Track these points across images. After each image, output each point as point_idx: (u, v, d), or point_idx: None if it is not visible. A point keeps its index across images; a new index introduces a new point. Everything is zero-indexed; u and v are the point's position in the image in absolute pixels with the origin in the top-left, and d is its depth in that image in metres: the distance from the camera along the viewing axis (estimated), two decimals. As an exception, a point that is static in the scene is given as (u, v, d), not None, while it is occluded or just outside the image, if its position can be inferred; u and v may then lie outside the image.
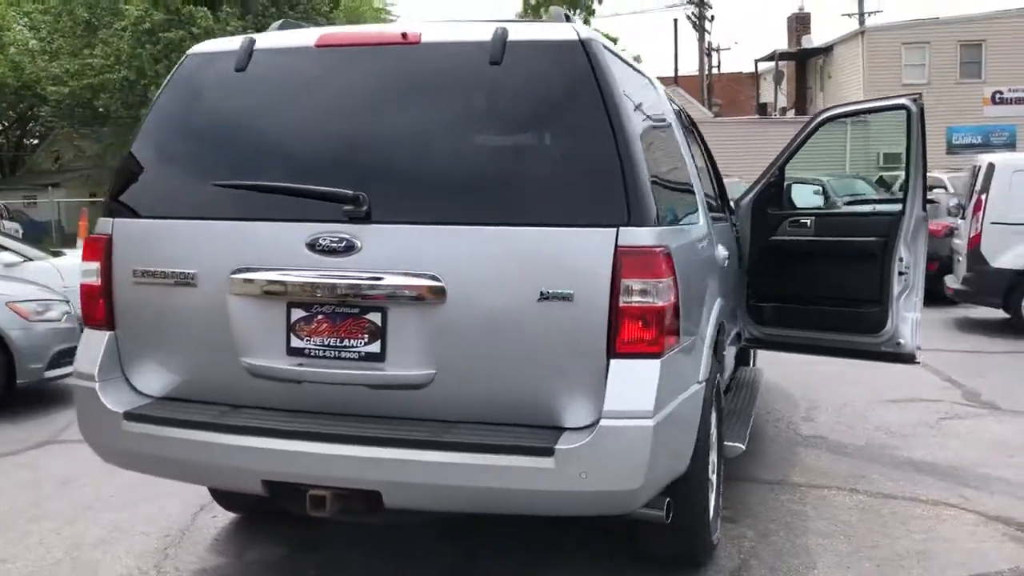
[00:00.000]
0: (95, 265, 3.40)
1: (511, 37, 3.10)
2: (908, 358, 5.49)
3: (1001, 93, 31.81)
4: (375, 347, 3.05)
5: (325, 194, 3.04)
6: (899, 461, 5.47)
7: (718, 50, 44.16)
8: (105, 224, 3.42)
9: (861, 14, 37.77)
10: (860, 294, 5.48)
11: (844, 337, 5.57)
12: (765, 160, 6.36)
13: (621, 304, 2.84)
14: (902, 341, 5.41)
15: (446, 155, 3.08)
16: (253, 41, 3.39)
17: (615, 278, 2.85)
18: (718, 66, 44.94)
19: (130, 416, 3.24)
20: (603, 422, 2.81)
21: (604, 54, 3.07)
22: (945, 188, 15.65)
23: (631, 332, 2.85)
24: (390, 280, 3.00)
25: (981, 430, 6.22)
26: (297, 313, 3.13)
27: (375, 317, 3.05)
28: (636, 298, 2.84)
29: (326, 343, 3.10)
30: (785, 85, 37.54)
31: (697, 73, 41.34)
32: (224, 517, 4.49)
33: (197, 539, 4.28)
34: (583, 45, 3.05)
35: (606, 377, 2.88)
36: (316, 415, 3.14)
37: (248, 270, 3.15)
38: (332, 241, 3.05)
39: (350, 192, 3.01)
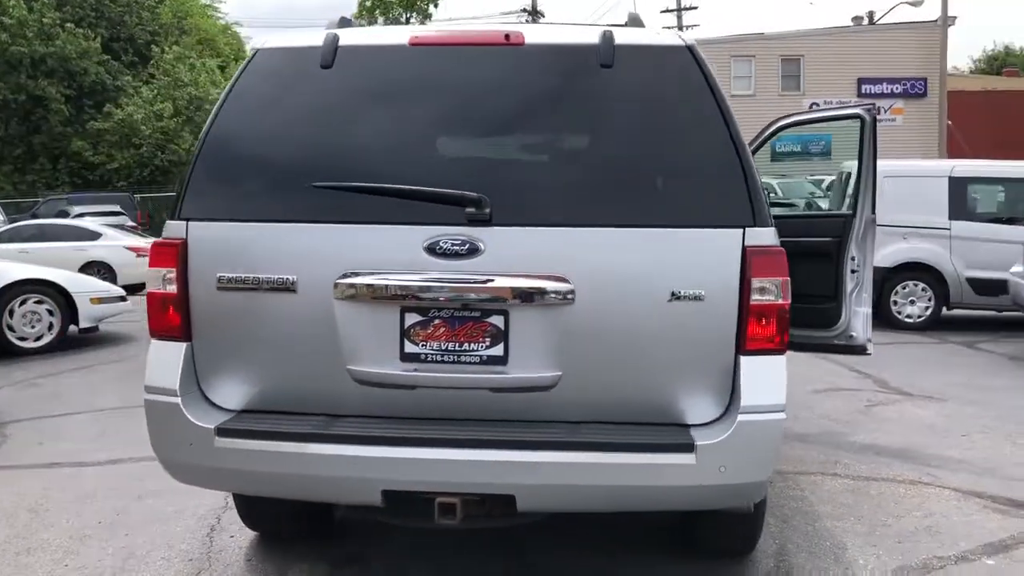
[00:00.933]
0: (169, 271, 3.17)
1: (618, 41, 3.15)
2: (860, 349, 5.87)
3: (818, 105, 34.27)
4: (498, 350, 3.02)
5: (449, 196, 2.98)
6: (857, 446, 5.88)
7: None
8: (177, 227, 3.20)
9: (680, 27, 39.72)
10: (816, 291, 5.82)
11: (801, 332, 5.90)
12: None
13: (751, 303, 2.95)
14: (854, 334, 5.79)
15: (567, 157, 3.09)
16: (337, 37, 3.27)
17: (744, 277, 2.95)
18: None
19: (224, 432, 3.05)
20: (741, 417, 2.90)
21: (705, 60, 3.17)
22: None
23: (759, 330, 2.96)
24: (519, 282, 2.97)
25: (908, 415, 6.76)
26: (412, 318, 3.05)
27: (497, 320, 3.02)
28: (763, 297, 2.95)
29: (444, 348, 3.04)
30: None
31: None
32: (242, 536, 4.28)
33: (228, 560, 4.06)
34: (690, 51, 3.15)
35: (734, 374, 2.98)
36: (432, 421, 3.07)
37: (358, 274, 3.03)
38: (454, 244, 3.00)
39: (475, 194, 2.96)
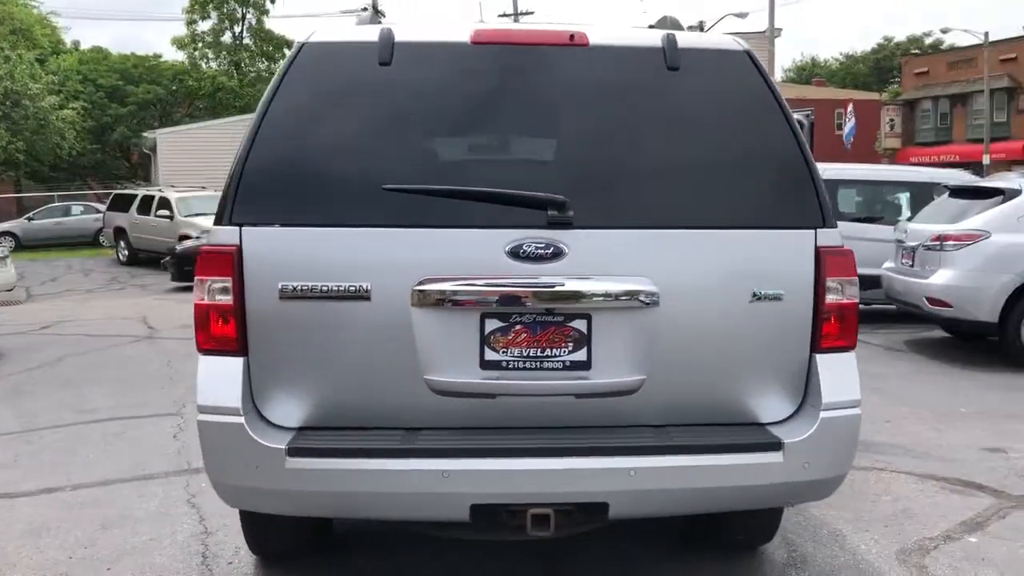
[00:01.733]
0: (222, 281, 2.94)
1: (681, 44, 3.16)
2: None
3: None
4: (581, 355, 2.97)
5: (533, 199, 2.90)
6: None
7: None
8: (228, 233, 2.96)
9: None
10: None
11: None
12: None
13: (826, 302, 3.03)
14: None
15: (644, 159, 3.07)
16: (392, 32, 3.12)
17: (819, 277, 3.02)
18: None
19: (296, 451, 2.85)
20: (824, 413, 2.98)
21: (762, 63, 3.24)
22: None
23: (834, 328, 3.04)
24: (605, 286, 2.93)
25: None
26: (492, 324, 2.95)
27: (580, 324, 2.96)
28: (836, 296, 3.04)
29: (526, 354, 2.96)
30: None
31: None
32: (241, 561, 4.02)
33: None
34: (748, 55, 3.20)
35: (808, 372, 3.05)
36: (513, 430, 2.98)
37: (438, 280, 2.91)
38: (538, 247, 2.92)
39: (559, 197, 2.90)
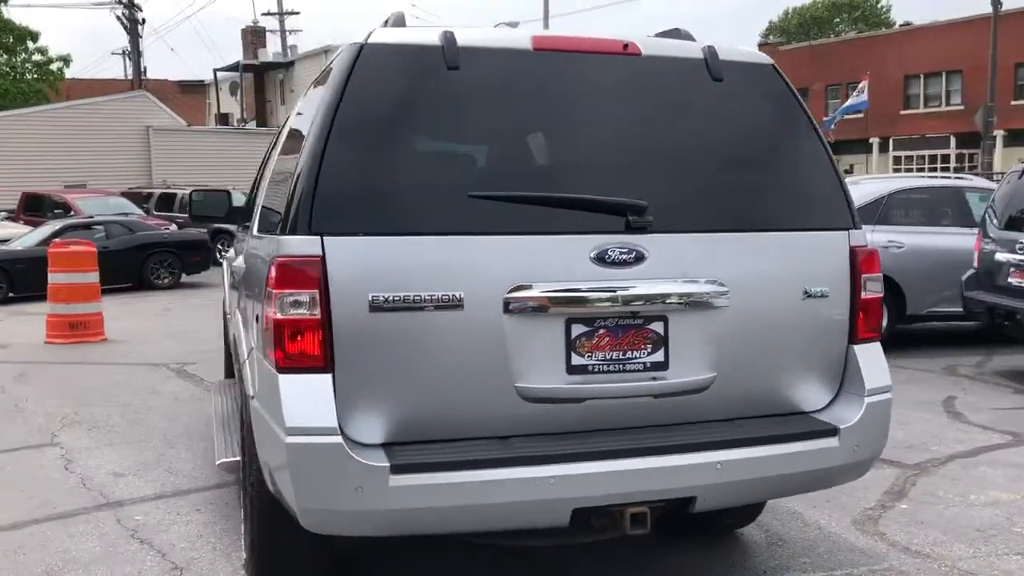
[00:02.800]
0: (308, 294, 2.77)
1: (721, 57, 3.33)
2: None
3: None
4: (659, 356, 3.06)
5: (616, 205, 2.96)
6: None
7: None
8: (307, 244, 2.79)
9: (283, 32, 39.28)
10: None
11: None
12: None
13: (862, 297, 3.30)
14: None
15: (706, 165, 3.19)
16: (454, 36, 3.06)
17: (855, 274, 3.29)
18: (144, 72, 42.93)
19: (401, 468, 2.74)
20: (868, 399, 3.24)
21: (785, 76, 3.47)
22: None
23: (868, 320, 3.32)
24: (683, 288, 3.04)
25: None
26: (578, 329, 2.98)
27: (657, 326, 3.05)
28: (869, 291, 3.32)
29: (609, 357, 3.01)
30: (242, 96, 37.65)
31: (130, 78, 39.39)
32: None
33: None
34: (775, 68, 3.42)
35: (846, 362, 3.31)
36: (598, 432, 3.02)
37: (531, 287, 2.90)
38: (622, 252, 2.98)
39: (641, 202, 2.98)
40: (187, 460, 5.66)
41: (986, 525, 4.54)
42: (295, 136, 3.70)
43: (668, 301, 3.03)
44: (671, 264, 3.04)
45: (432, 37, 3.06)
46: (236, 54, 39.95)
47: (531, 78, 3.12)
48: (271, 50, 39.24)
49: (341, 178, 2.85)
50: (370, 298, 2.80)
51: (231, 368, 6.53)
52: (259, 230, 3.78)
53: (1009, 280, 7.96)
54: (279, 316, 2.79)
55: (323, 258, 2.78)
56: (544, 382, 2.95)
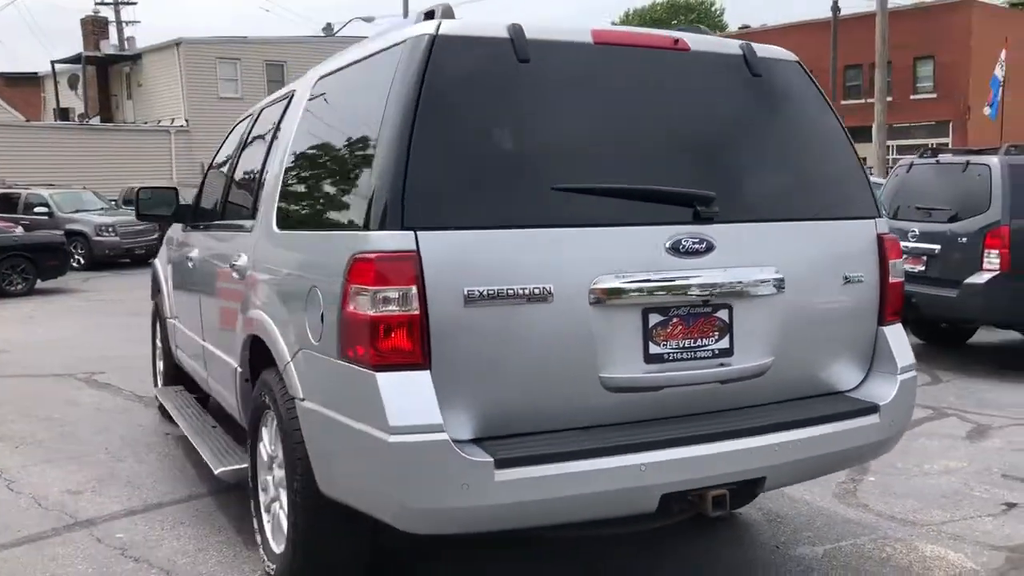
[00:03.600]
0: (403, 289, 2.70)
1: (758, 54, 3.45)
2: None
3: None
4: (725, 343, 3.15)
5: (689, 196, 3.04)
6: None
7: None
8: (399, 239, 2.73)
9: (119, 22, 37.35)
10: None
11: None
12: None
13: (890, 281, 3.50)
14: None
15: (758, 157, 3.30)
16: (522, 29, 3.05)
17: (882, 260, 3.49)
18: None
19: (505, 462, 2.71)
20: (901, 376, 3.44)
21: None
22: None
23: (894, 303, 3.52)
24: (749, 275, 3.14)
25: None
26: (654, 318, 3.03)
27: (723, 314, 3.14)
28: (895, 275, 3.53)
29: (681, 345, 3.08)
30: (85, 90, 35.55)
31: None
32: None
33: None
34: (799, 64, 3.58)
35: (876, 342, 3.50)
36: (674, 419, 3.09)
37: (612, 278, 2.94)
38: (693, 242, 3.05)
39: (710, 193, 3.06)
40: (144, 473, 5.35)
41: (950, 491, 4.89)
42: (322, 131, 3.58)
43: (734, 289, 3.13)
44: (736, 253, 3.14)
45: (499, 30, 3.04)
46: (66, 44, 37.78)
47: (594, 71, 3.15)
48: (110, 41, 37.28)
49: (429, 171, 2.79)
50: (465, 292, 2.77)
51: (170, 375, 6.23)
52: (281, 227, 3.64)
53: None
54: (374, 313, 2.71)
55: (418, 253, 2.73)
56: (625, 371, 2.99)
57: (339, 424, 2.94)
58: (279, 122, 4.18)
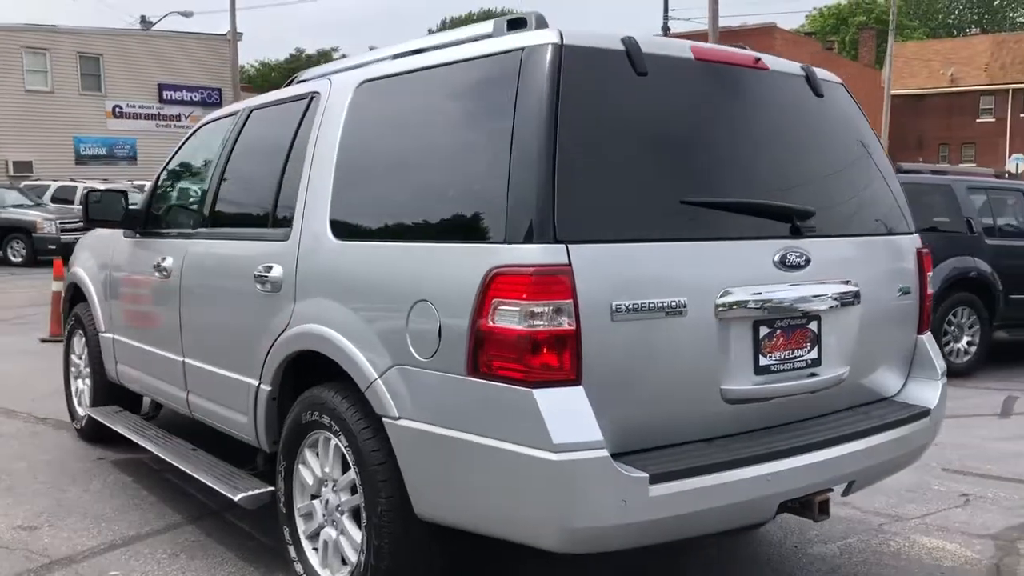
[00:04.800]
0: (559, 304, 2.64)
1: (818, 75, 3.61)
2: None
3: (121, 107, 33.18)
4: (814, 354, 3.27)
5: (798, 211, 3.15)
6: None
7: None
8: (550, 252, 2.66)
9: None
10: None
11: None
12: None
13: (928, 291, 3.74)
14: None
15: (837, 174, 3.45)
16: (638, 42, 3.04)
17: (921, 273, 3.73)
18: None
19: (658, 478, 2.70)
20: (941, 381, 3.69)
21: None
22: None
23: (927, 313, 3.77)
24: (839, 288, 3.28)
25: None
26: (763, 331, 3.10)
27: (814, 325, 3.26)
28: (930, 287, 3.78)
29: (783, 356, 3.17)
30: None
31: None
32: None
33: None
34: (844, 87, 3.77)
35: (915, 350, 3.73)
36: (777, 428, 3.17)
37: (735, 291, 2.99)
38: (797, 256, 3.15)
39: (813, 209, 3.18)
40: (98, 502, 4.89)
41: (911, 486, 5.25)
42: (392, 139, 3.43)
43: (825, 302, 3.26)
44: (825, 267, 3.27)
45: (615, 42, 3.02)
46: None
47: (697, 87, 3.19)
48: None
49: (573, 184, 2.74)
50: (613, 306, 2.74)
51: (101, 394, 5.76)
52: (342, 238, 3.44)
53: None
54: (525, 328, 2.64)
55: (570, 267, 2.67)
56: (740, 383, 3.05)
57: (466, 444, 2.83)
58: (299, 127, 3.94)
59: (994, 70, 56.85)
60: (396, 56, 3.80)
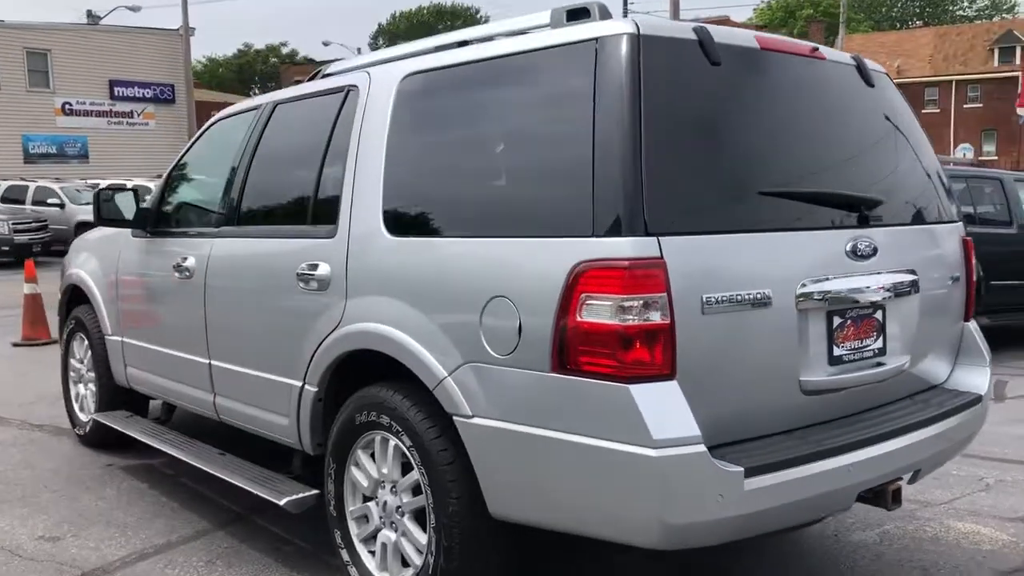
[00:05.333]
0: (654, 298, 2.61)
1: (868, 64, 3.62)
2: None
3: (71, 104, 32.41)
4: (880, 343, 3.27)
5: (867, 201, 3.15)
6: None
7: None
8: (647, 245, 2.62)
9: None
10: None
11: None
12: None
13: (972, 279, 3.78)
14: None
15: (888, 162, 3.46)
16: (710, 31, 3.01)
17: (967, 260, 3.76)
18: None
19: (753, 471, 2.68)
20: (988, 367, 3.72)
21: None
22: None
23: (972, 300, 3.81)
24: (899, 278, 3.28)
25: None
26: (836, 321, 3.10)
27: (879, 315, 3.26)
28: (974, 274, 3.81)
29: (853, 346, 3.17)
30: None
31: None
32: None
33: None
34: (887, 75, 3.78)
35: (962, 338, 3.76)
36: (848, 418, 3.17)
37: (813, 281, 2.98)
38: (866, 246, 3.15)
39: (881, 198, 3.19)
40: (117, 509, 4.75)
41: (933, 473, 5.30)
42: (449, 133, 3.36)
43: (890, 291, 3.26)
44: (889, 256, 3.27)
45: (687, 31, 2.99)
46: None
47: (764, 77, 3.17)
48: None
49: (662, 176, 2.71)
50: (704, 299, 2.71)
51: (106, 399, 5.60)
52: (399, 234, 3.36)
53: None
54: (619, 323, 2.60)
55: (663, 260, 2.64)
56: (817, 374, 3.04)
57: (551, 441, 2.78)
58: (336, 121, 3.85)
59: (937, 62, 58.09)
60: (439, 48, 3.73)
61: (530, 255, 2.86)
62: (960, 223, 3.78)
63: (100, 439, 5.74)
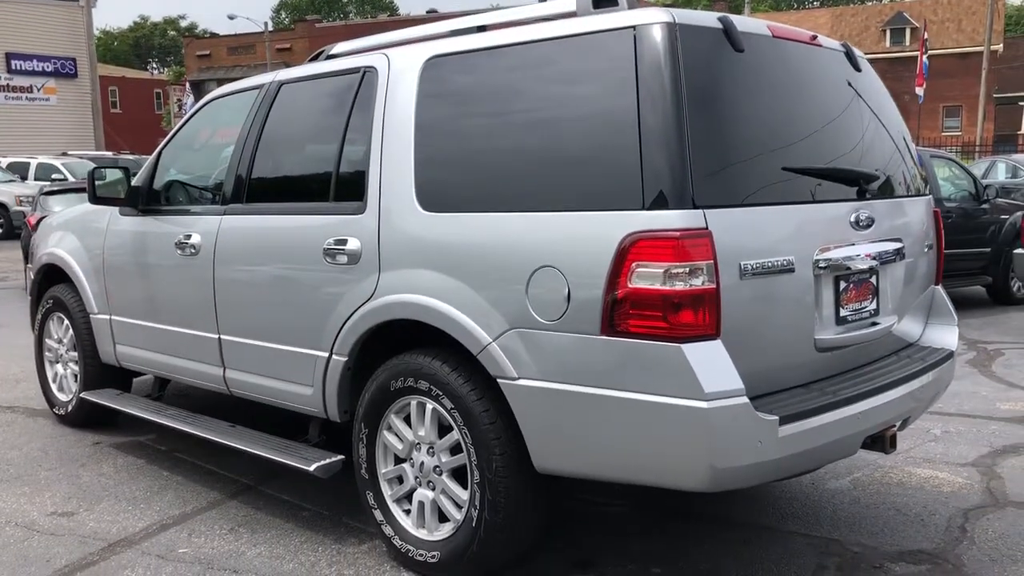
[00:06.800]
0: (703, 265, 2.89)
1: (854, 52, 3.96)
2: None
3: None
4: (874, 305, 3.62)
5: (868, 176, 3.49)
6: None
7: None
8: (694, 217, 2.89)
9: None
10: None
11: None
12: None
13: (942, 247, 4.18)
14: None
15: (876, 140, 3.80)
16: (732, 20, 3.28)
17: (938, 229, 4.16)
18: None
19: (786, 419, 2.99)
20: (955, 326, 4.13)
21: None
22: None
23: (941, 265, 4.21)
24: (890, 245, 3.64)
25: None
26: (842, 285, 3.43)
27: (874, 280, 3.62)
28: (942, 243, 4.21)
29: (854, 308, 3.51)
30: None
31: None
32: None
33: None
34: (867, 62, 4.14)
35: (932, 300, 4.17)
36: (851, 371, 3.52)
37: (828, 249, 3.31)
38: (867, 217, 3.50)
39: (880, 174, 3.54)
40: (121, 485, 4.82)
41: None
42: (484, 115, 3.54)
43: (883, 258, 3.62)
44: (881, 226, 3.62)
45: (713, 20, 3.25)
46: None
47: (777, 63, 3.47)
48: None
49: (703, 153, 2.97)
50: (741, 265, 3.00)
51: (93, 378, 5.62)
52: (433, 209, 3.54)
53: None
54: (671, 288, 2.87)
55: (708, 229, 2.91)
56: (828, 333, 3.38)
57: (602, 399, 3.03)
58: (354, 101, 4.00)
59: (835, 41, 60.01)
60: (454, 32, 3.91)
61: (578, 228, 3.10)
62: (930, 196, 4.18)
63: (83, 418, 5.75)
